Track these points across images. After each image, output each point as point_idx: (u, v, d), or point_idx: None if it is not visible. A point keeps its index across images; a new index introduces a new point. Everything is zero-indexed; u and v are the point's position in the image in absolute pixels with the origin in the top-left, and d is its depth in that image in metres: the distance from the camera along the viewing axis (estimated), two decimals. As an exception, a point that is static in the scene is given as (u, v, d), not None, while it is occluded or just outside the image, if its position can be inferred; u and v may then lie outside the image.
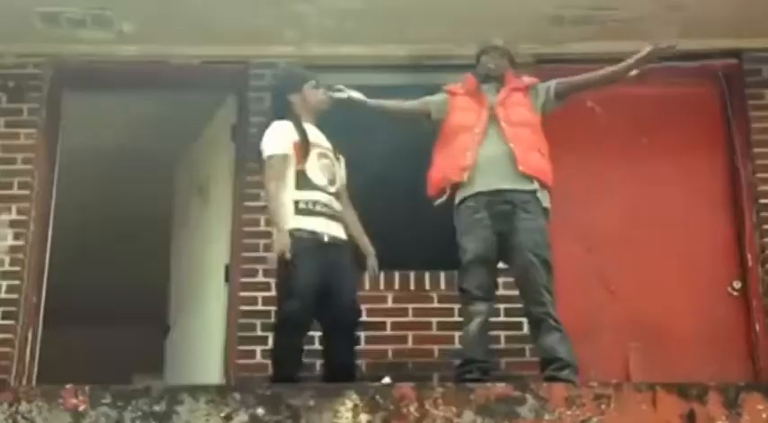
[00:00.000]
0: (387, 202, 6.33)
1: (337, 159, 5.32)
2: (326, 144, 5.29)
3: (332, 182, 5.19)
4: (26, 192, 6.34)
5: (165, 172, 7.46)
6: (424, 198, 5.42)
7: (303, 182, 5.11)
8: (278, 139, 5.17)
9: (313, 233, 5.03)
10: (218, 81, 6.75)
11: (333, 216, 5.14)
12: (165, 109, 7.26)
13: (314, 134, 5.25)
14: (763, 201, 6.33)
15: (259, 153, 5.24)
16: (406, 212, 6.52)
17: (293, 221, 5.03)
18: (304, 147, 5.15)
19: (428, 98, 5.50)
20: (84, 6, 6.22)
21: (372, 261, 5.33)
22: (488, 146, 5.18)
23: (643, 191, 6.39)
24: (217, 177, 6.77)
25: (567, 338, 4.94)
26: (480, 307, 5.06)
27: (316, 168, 5.15)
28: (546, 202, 5.19)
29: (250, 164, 6.35)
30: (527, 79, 5.50)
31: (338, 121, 5.33)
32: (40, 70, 6.58)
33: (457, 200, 5.21)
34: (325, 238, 5.05)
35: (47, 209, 6.52)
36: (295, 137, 5.17)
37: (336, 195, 5.21)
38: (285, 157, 5.12)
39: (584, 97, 5.98)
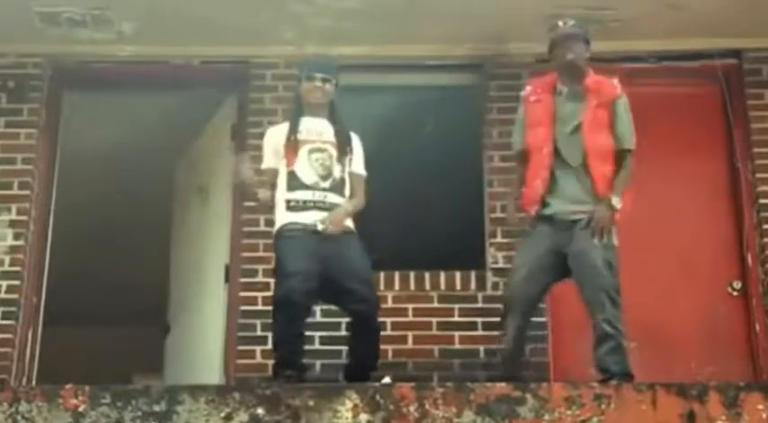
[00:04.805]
0: (387, 201, 6.32)
1: (345, 152, 5.18)
2: (326, 137, 5.18)
3: (325, 177, 5.09)
4: (26, 192, 6.34)
5: (164, 172, 7.45)
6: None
7: (294, 182, 5.07)
8: (267, 149, 5.24)
9: (304, 225, 4.99)
10: (218, 81, 6.75)
11: (328, 209, 5.05)
12: (164, 109, 7.26)
13: (310, 128, 5.18)
14: (763, 201, 6.33)
15: None
16: (406, 212, 6.51)
17: (284, 217, 5.05)
18: (293, 146, 5.12)
19: None
20: (83, 6, 6.22)
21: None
22: None
23: (643, 191, 6.36)
24: (217, 177, 6.77)
25: (621, 346, 4.91)
26: None
27: (306, 167, 5.08)
28: None
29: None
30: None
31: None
32: (40, 70, 6.58)
33: None
34: (319, 227, 4.97)
35: (47, 209, 6.51)
36: (283, 138, 5.16)
37: (335, 188, 5.10)
38: (273, 172, 5.16)
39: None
